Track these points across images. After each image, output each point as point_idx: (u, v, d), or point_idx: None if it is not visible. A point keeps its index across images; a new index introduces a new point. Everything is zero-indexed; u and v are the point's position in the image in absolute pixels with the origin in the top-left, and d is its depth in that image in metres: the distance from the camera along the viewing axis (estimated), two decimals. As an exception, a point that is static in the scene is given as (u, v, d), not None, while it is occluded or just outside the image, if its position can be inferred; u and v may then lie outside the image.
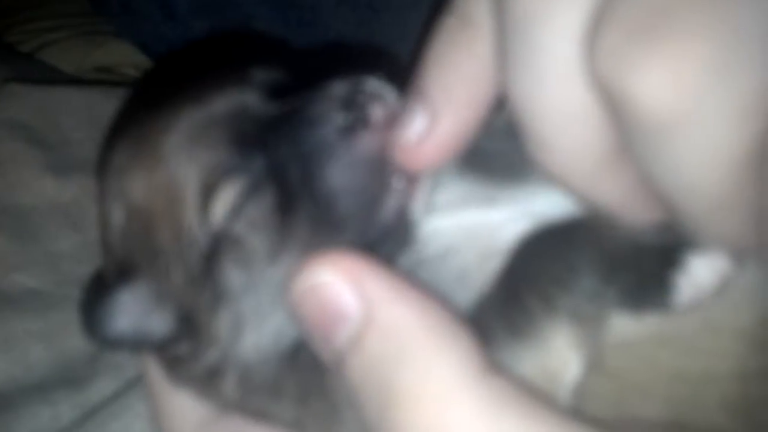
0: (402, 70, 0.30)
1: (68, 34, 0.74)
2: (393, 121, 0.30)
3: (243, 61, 0.36)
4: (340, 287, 0.26)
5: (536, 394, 0.26)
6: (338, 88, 0.31)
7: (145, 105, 0.35)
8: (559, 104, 0.23)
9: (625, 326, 0.29)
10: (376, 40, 0.60)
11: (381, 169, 0.31)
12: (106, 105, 0.57)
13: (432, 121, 0.27)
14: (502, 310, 0.29)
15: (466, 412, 0.24)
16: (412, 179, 0.31)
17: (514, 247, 0.30)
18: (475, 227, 0.33)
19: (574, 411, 0.28)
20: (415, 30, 0.32)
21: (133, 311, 0.34)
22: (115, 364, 0.46)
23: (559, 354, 0.28)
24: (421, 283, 0.30)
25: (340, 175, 0.31)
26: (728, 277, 0.27)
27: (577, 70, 0.22)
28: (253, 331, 0.33)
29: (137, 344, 0.35)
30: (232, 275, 0.32)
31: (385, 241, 0.32)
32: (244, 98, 0.33)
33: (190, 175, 0.32)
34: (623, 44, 0.19)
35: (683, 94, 0.19)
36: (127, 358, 0.46)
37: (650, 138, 0.20)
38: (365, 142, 0.31)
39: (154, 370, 0.37)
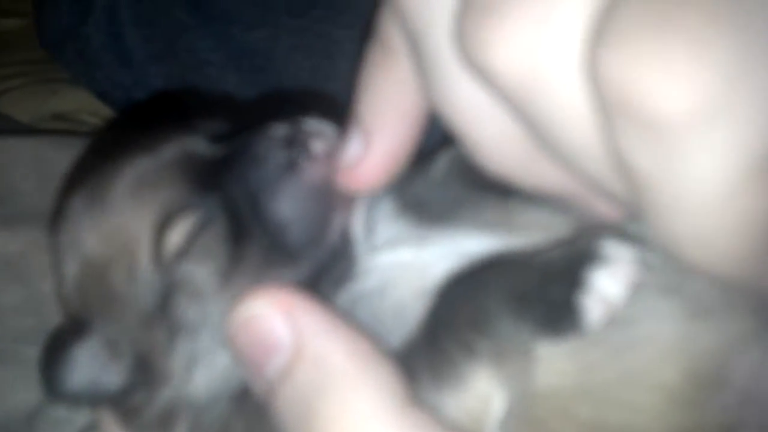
0: (341, 110, 0.32)
1: (25, 81, 0.74)
2: (333, 152, 0.33)
3: (188, 114, 0.39)
4: (273, 319, 0.28)
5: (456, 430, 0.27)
6: (278, 128, 0.34)
7: (97, 158, 0.38)
8: (463, 104, 0.25)
9: (546, 377, 0.29)
10: (331, 87, 0.61)
11: (324, 197, 0.33)
12: (55, 155, 0.56)
13: (367, 144, 0.30)
14: (425, 357, 0.30)
15: None
16: (350, 200, 0.34)
17: (435, 291, 0.31)
18: (408, 265, 0.34)
19: None
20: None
21: (89, 367, 0.35)
22: (54, 421, 0.45)
23: (480, 395, 0.29)
24: (360, 317, 0.32)
25: (286, 207, 0.33)
26: (637, 281, 0.27)
27: (462, 72, 0.24)
28: (206, 365, 0.34)
29: (94, 398, 0.36)
30: (187, 310, 0.34)
31: (334, 264, 0.34)
32: (190, 143, 0.36)
33: (143, 216, 0.34)
34: (631, 51, 0.19)
35: (699, 97, 0.18)
36: (65, 418, 0.45)
37: (655, 143, 0.19)
38: (307, 175, 0.33)
39: (107, 422, 0.38)
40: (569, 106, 0.21)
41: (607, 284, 0.27)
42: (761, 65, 0.18)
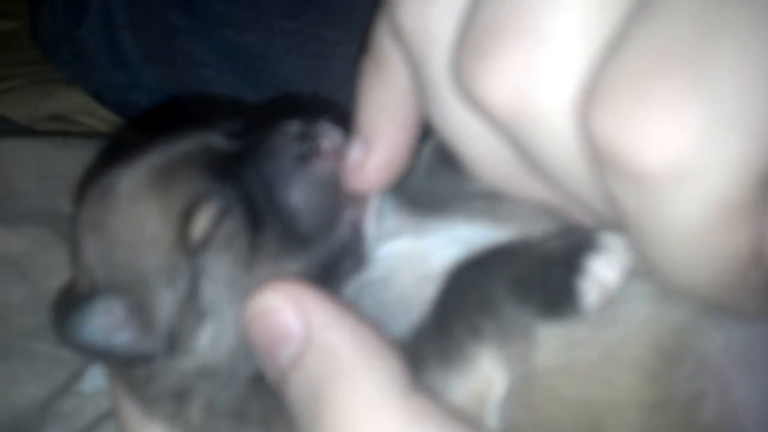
0: (346, 115, 0.34)
1: (21, 82, 0.75)
2: (339, 152, 0.35)
3: (206, 116, 0.41)
4: (285, 311, 0.30)
5: (459, 415, 0.29)
6: (293, 125, 0.36)
7: (118, 150, 0.39)
8: (456, 123, 0.27)
9: (539, 356, 0.31)
10: (324, 87, 0.62)
11: (335, 190, 0.35)
12: (55, 156, 0.58)
13: (366, 151, 0.32)
14: (434, 341, 0.32)
15: (385, 422, 0.27)
16: (362, 198, 0.36)
17: (443, 280, 0.33)
18: (409, 254, 0.36)
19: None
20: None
21: (107, 322, 0.36)
22: (63, 414, 0.47)
23: (485, 377, 0.31)
24: (366, 306, 0.34)
25: (299, 196, 0.35)
26: (629, 267, 0.30)
27: (454, 96, 0.26)
28: (230, 344, 0.35)
29: (104, 354, 0.37)
30: (212, 292, 0.35)
31: (345, 256, 0.36)
32: (210, 139, 0.37)
33: (168, 205, 0.35)
34: (619, 115, 0.21)
35: (675, 154, 0.20)
36: (74, 411, 0.46)
37: (642, 192, 0.22)
38: (319, 167, 0.35)
39: (126, 405, 0.39)
40: (555, 137, 0.23)
41: (604, 270, 0.30)
42: (726, 126, 0.20)
